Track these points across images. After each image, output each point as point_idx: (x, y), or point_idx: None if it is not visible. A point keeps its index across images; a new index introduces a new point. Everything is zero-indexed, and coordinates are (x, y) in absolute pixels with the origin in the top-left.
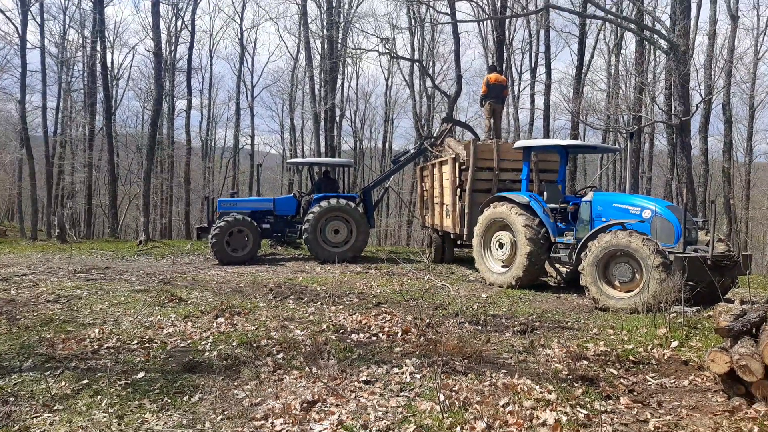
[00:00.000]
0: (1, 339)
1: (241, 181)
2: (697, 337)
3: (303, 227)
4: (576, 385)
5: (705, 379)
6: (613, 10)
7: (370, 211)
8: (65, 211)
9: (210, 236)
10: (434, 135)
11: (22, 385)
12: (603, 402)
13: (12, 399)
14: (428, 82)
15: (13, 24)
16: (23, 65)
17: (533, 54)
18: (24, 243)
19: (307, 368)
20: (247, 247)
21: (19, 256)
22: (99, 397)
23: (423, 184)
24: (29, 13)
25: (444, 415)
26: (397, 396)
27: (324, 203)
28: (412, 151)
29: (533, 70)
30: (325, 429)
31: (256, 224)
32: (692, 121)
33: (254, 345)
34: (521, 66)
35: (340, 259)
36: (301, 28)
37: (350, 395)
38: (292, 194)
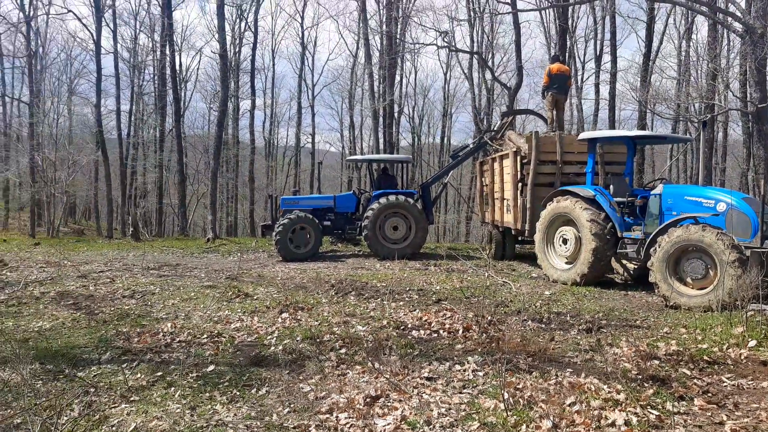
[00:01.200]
0: (81, 332)
1: (302, 179)
2: None
3: (362, 224)
4: (646, 385)
5: None
6: None
7: (429, 206)
8: (138, 210)
9: (274, 233)
10: (494, 129)
11: (100, 376)
12: (675, 403)
13: (92, 390)
14: (488, 75)
15: (88, 30)
16: (98, 70)
17: (598, 42)
18: (100, 241)
19: (369, 363)
20: (310, 244)
21: (96, 253)
22: (172, 388)
23: (482, 178)
24: (103, 19)
25: (508, 413)
26: (460, 393)
27: (383, 200)
28: (471, 146)
29: (598, 59)
30: (388, 424)
31: (317, 221)
32: None
33: (318, 340)
34: (585, 55)
35: (400, 255)
36: (360, 24)
37: (413, 391)
38: (351, 191)
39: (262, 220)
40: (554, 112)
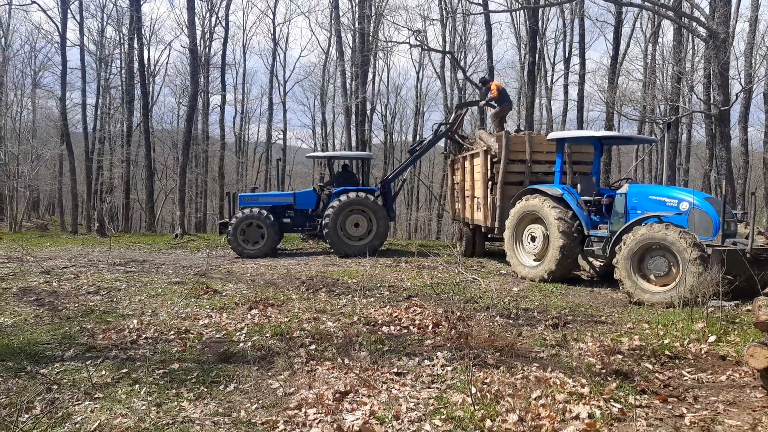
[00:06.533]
0: (44, 329)
1: (273, 176)
2: (736, 332)
3: (323, 222)
4: (610, 379)
5: (743, 374)
6: None
7: (390, 203)
8: (104, 205)
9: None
10: (449, 122)
11: (64, 373)
12: (638, 396)
13: (55, 387)
14: (459, 74)
15: (54, 23)
16: (63, 63)
17: (567, 44)
18: (65, 236)
19: (339, 359)
20: (263, 241)
21: (60, 249)
22: (138, 385)
23: (453, 176)
24: (69, 11)
25: (476, 407)
26: (429, 388)
27: (344, 197)
28: (427, 140)
29: (567, 61)
30: (357, 419)
31: (273, 218)
32: (732, 111)
33: (287, 336)
34: (554, 56)
35: (363, 251)
36: (333, 21)
37: (382, 386)
38: (312, 188)
39: (219, 218)
40: (499, 124)
